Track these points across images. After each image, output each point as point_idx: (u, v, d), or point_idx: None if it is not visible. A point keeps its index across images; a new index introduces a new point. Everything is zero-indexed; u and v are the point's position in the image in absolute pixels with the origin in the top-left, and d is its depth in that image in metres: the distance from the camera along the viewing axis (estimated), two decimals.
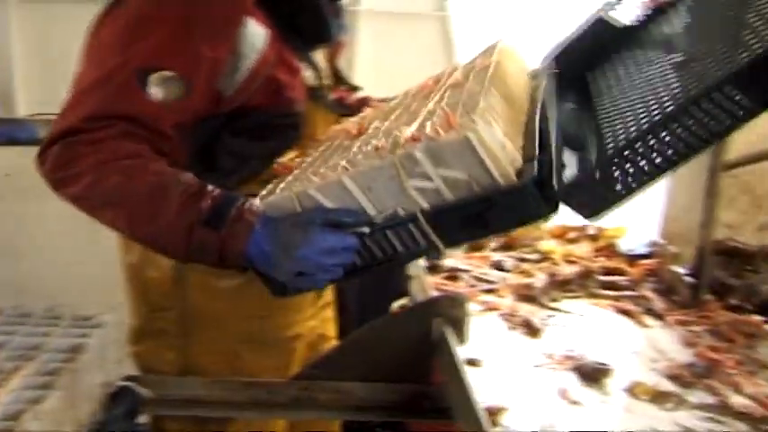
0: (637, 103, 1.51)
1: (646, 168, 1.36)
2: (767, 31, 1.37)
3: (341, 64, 2.01)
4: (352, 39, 3.08)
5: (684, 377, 1.69)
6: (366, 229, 1.45)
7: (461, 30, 3.06)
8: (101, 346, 1.53)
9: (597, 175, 1.39)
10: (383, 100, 2.07)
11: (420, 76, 3.13)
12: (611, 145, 1.42)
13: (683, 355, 1.81)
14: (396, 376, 1.63)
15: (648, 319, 1.99)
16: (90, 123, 1.51)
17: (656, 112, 1.40)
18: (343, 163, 1.47)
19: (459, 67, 1.85)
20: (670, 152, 1.35)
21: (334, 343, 2.06)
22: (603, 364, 1.67)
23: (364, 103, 2.10)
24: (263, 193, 1.57)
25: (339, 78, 1.98)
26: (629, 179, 1.37)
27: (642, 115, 1.43)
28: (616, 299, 2.09)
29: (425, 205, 1.42)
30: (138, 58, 1.54)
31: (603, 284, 2.16)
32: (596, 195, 1.40)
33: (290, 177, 1.61)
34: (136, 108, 1.53)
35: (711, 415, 1.54)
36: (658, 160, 1.36)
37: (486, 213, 1.40)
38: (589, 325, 1.92)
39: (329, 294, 2.05)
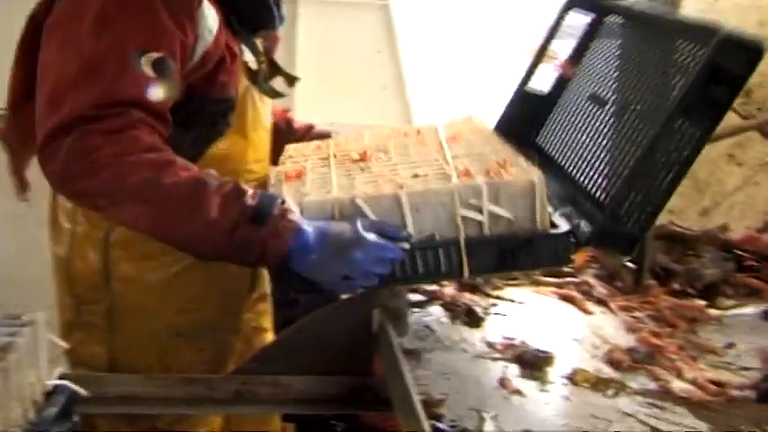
0: (605, 155, 1.74)
1: (644, 202, 1.59)
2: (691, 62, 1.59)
3: (276, 55, 1.99)
4: (289, 30, 3.06)
5: (626, 363, 1.69)
6: (407, 246, 1.52)
7: (403, 19, 3.06)
8: (32, 344, 1.48)
9: (610, 223, 1.59)
10: (322, 135, 2.16)
11: (362, 65, 3.14)
12: (603, 195, 1.67)
13: (626, 341, 1.82)
14: (337, 368, 1.61)
15: (591, 306, 2.00)
16: (100, 111, 1.47)
17: (628, 157, 1.63)
18: (399, 180, 1.60)
19: (437, 126, 1.99)
20: (657, 185, 1.59)
21: (270, 336, 2.04)
22: (545, 351, 1.67)
23: (310, 128, 2.20)
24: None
25: (275, 69, 1.96)
26: (637, 215, 1.59)
27: (618, 164, 1.66)
28: (559, 286, 2.09)
29: (463, 234, 1.55)
30: (128, 40, 1.51)
31: (546, 272, 2.16)
32: (619, 238, 1.61)
33: (300, 183, 1.68)
34: (141, 91, 1.50)
35: (652, 400, 1.54)
36: (650, 194, 1.59)
37: (520, 252, 1.56)
38: (531, 312, 1.92)
39: (264, 286, 2.02)
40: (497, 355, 1.68)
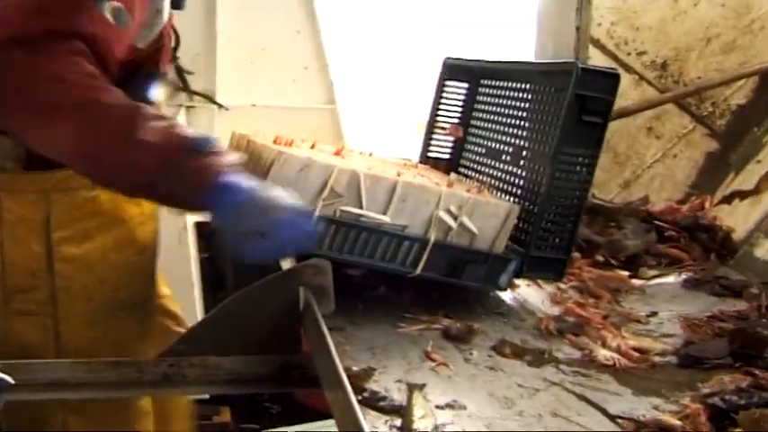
0: (515, 199, 1.95)
1: (560, 229, 1.85)
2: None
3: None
4: (209, 11, 3.04)
5: (551, 334, 1.73)
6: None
7: (323, 3, 3.05)
8: None
9: (534, 251, 1.84)
10: None
11: (283, 46, 3.11)
12: (522, 234, 1.88)
13: (551, 313, 1.85)
14: (265, 347, 1.60)
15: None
16: (48, 37, 1.44)
17: (534, 195, 1.88)
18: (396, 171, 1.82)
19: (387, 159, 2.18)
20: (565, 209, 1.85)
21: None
22: (469, 324, 1.68)
23: None
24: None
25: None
26: (558, 241, 1.86)
27: (528, 203, 1.89)
28: None
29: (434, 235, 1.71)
30: None
31: None
32: (548, 265, 1.87)
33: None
34: (95, 29, 1.48)
35: (577, 369, 1.56)
36: (565, 217, 1.85)
37: (469, 265, 1.75)
38: (455, 287, 1.93)
39: None
40: (422, 327, 1.69)
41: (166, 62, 1.85)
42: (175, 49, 1.83)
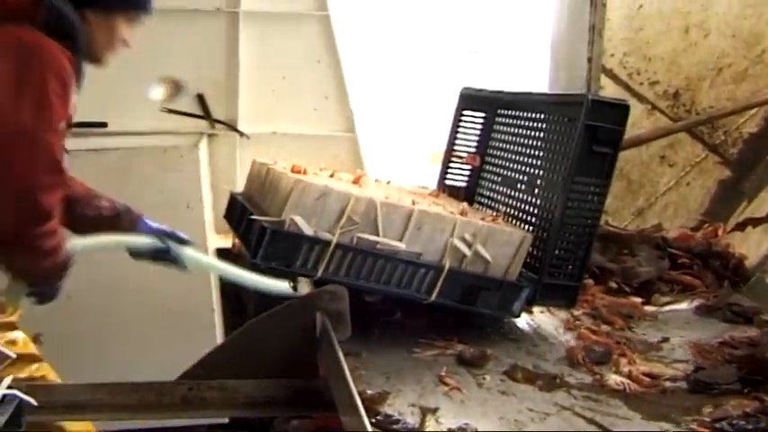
0: (528, 226, 2.00)
1: (572, 257, 1.89)
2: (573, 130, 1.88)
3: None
4: (231, 42, 3.08)
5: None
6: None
7: (343, 29, 3.08)
8: None
9: (546, 278, 1.87)
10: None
11: (303, 76, 3.15)
12: (535, 260, 1.92)
13: (564, 339, 1.88)
14: (282, 372, 1.63)
15: None
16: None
17: (547, 223, 1.93)
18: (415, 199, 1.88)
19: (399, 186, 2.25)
20: (577, 237, 1.89)
21: None
22: (483, 350, 1.71)
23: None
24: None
25: None
26: (570, 268, 1.89)
27: (541, 231, 1.94)
28: None
29: (449, 262, 1.76)
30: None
31: None
32: (560, 292, 1.90)
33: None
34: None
35: (588, 394, 1.59)
36: (577, 245, 1.89)
37: (483, 292, 1.78)
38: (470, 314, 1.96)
39: None
40: (437, 353, 1.72)
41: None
42: None
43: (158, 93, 3.05)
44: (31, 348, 1.93)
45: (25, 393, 1.47)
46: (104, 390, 1.60)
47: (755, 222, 2.55)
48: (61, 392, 1.59)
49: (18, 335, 1.90)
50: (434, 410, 1.43)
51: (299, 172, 1.88)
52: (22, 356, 1.94)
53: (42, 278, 1.73)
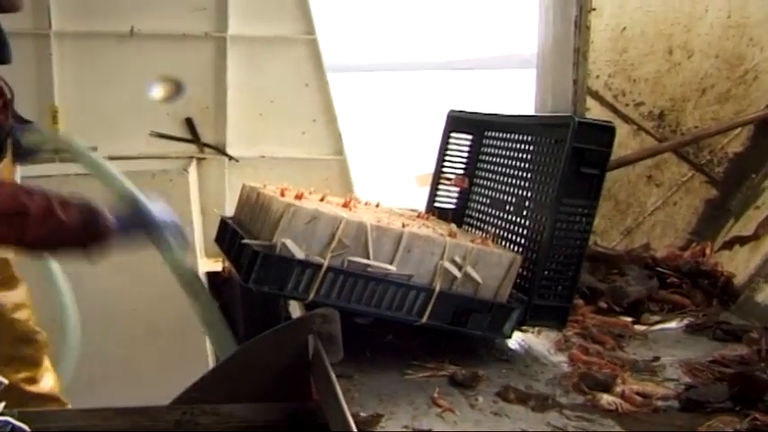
0: (517, 247, 2.02)
1: (561, 277, 1.90)
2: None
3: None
4: (219, 66, 3.10)
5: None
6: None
7: (330, 52, 3.11)
8: None
9: (536, 300, 1.88)
10: None
11: (291, 99, 3.17)
12: (524, 281, 1.93)
13: (556, 359, 1.88)
14: (276, 395, 1.64)
15: None
16: None
17: (536, 244, 1.94)
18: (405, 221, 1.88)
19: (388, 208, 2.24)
20: (566, 258, 1.89)
21: None
22: (474, 371, 1.71)
23: None
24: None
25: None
26: (560, 289, 1.90)
27: (530, 252, 1.95)
28: None
29: (439, 284, 1.76)
30: None
31: None
32: (551, 313, 1.90)
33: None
34: None
35: (581, 414, 1.59)
36: (566, 266, 1.89)
37: (474, 314, 1.79)
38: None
39: None
40: (429, 374, 1.72)
41: (8, 115, 2.06)
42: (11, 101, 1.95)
43: (158, 92, 3.09)
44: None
45: (18, 420, 1.47)
46: (98, 415, 1.60)
47: (743, 241, 2.57)
48: (54, 419, 1.59)
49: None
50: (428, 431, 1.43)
51: (287, 196, 1.89)
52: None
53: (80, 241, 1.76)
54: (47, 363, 2.29)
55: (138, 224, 1.89)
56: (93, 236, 1.77)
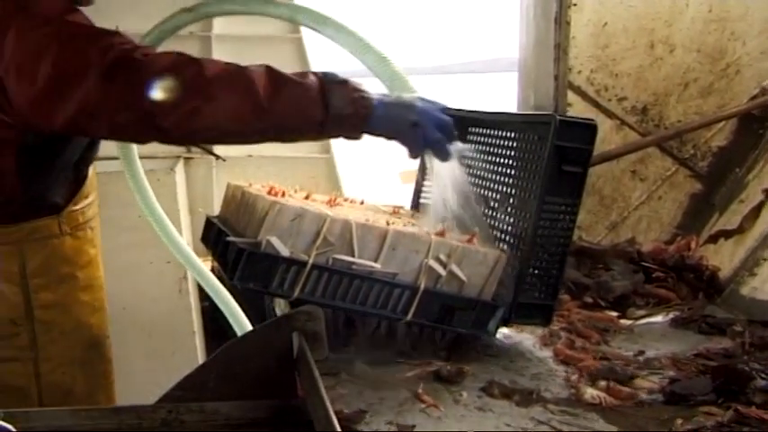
0: (501, 244, 1.99)
1: (545, 275, 1.90)
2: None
3: None
4: None
5: (542, 375, 1.77)
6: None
7: (315, 51, 3.12)
8: None
9: (524, 299, 1.87)
10: None
11: None
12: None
13: (542, 355, 1.90)
14: (262, 392, 1.64)
15: None
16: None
17: (519, 241, 1.92)
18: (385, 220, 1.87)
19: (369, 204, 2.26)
20: (550, 256, 1.89)
21: None
22: (460, 366, 1.72)
23: None
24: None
25: None
26: (544, 287, 1.90)
27: (514, 249, 1.92)
28: None
29: (424, 282, 1.76)
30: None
31: None
32: (535, 310, 1.91)
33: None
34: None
35: (565, 408, 1.60)
36: (550, 263, 1.90)
37: (458, 312, 1.80)
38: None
39: None
40: (413, 370, 1.73)
41: None
42: None
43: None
44: None
45: (3, 420, 1.47)
46: (84, 414, 1.60)
47: (727, 234, 2.58)
48: (40, 418, 1.59)
49: None
50: (412, 427, 1.44)
51: (275, 194, 1.89)
52: None
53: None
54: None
55: (403, 108, 1.77)
56: (347, 108, 1.65)
